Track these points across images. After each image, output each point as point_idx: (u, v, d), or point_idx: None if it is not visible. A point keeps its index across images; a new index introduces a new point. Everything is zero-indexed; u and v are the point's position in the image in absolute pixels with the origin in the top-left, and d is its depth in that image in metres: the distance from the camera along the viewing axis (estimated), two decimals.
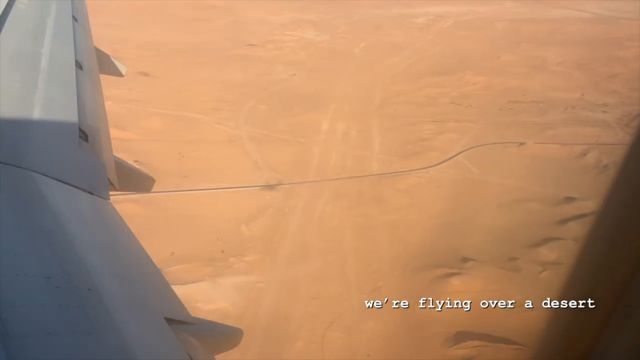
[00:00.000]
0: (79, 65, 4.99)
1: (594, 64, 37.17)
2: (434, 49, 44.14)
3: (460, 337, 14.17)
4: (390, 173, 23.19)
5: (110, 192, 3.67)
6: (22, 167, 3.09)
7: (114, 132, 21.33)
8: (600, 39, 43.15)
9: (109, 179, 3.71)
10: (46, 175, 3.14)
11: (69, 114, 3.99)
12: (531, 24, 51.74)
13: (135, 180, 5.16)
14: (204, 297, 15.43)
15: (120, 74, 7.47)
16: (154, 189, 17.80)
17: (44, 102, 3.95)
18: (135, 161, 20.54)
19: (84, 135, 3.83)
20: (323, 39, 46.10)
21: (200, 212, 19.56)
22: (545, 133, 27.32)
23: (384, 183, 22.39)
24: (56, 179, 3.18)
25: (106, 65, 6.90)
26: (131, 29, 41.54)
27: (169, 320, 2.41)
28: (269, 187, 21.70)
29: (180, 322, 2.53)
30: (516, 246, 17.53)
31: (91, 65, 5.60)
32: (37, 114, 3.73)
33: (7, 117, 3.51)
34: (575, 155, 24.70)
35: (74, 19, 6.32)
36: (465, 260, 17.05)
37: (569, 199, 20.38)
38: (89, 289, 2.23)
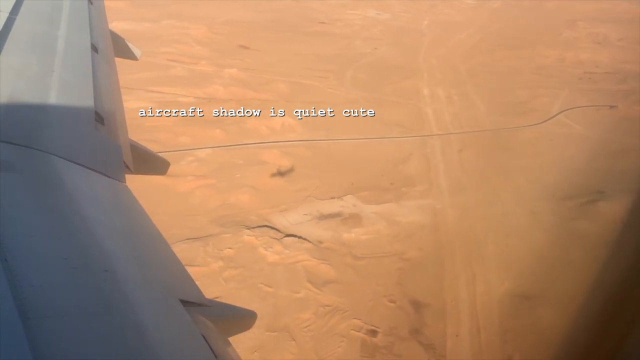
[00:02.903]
0: (94, 49, 5.12)
1: None
2: (493, 26, 48.33)
3: None
4: (506, 128, 27.49)
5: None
6: (39, 149, 3.20)
7: (250, 93, 26.81)
8: None
9: (124, 162, 3.84)
10: (63, 158, 3.24)
11: (85, 97, 4.12)
12: (578, 4, 56.00)
13: (151, 163, 5.33)
14: (397, 213, 19.69)
15: (135, 58, 7.59)
16: (316, 136, 23.22)
17: (60, 85, 4.07)
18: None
19: (100, 118, 3.96)
20: (386, 17, 50.25)
21: (359, 156, 23.80)
22: (631, 98, 31.67)
23: (503, 136, 26.68)
24: (73, 162, 3.28)
25: (121, 48, 7.10)
26: (207, 8, 45.50)
27: (184, 302, 2.52)
28: (405, 137, 25.95)
29: (194, 304, 2.65)
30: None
31: (107, 48, 5.75)
32: (53, 97, 3.85)
33: (24, 100, 3.63)
34: None
35: (90, 2, 6.49)
36: (601, 192, 21.34)
37: None
38: (106, 270, 2.36)
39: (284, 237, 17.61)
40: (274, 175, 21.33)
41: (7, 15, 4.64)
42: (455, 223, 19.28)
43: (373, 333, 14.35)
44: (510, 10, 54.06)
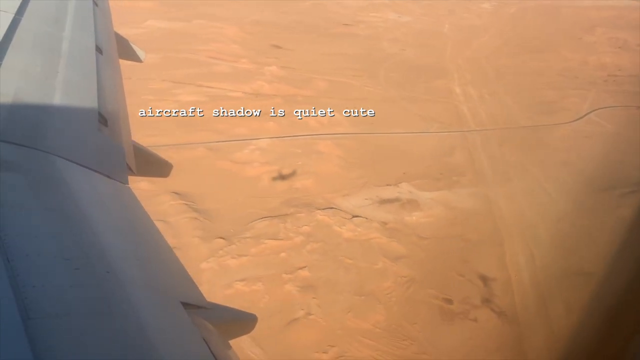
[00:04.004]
0: (99, 50, 5.21)
1: None
2: (513, 30, 50.36)
3: None
4: (541, 125, 29.34)
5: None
6: (42, 150, 3.28)
7: (292, 90, 29.04)
8: None
9: (127, 164, 3.91)
10: (65, 159, 3.32)
11: (88, 99, 4.18)
12: (593, 11, 58.19)
13: (154, 165, 5.45)
14: (452, 200, 21.42)
15: (139, 60, 7.72)
16: (360, 130, 25.33)
17: (64, 86, 4.14)
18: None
19: (104, 119, 4.02)
20: (407, 20, 52.21)
21: (405, 149, 25.54)
22: None
23: (539, 133, 28.50)
24: (75, 163, 3.36)
25: (126, 50, 7.22)
26: (232, 9, 47.35)
27: (185, 305, 2.58)
28: (446, 132, 27.75)
29: (196, 307, 2.71)
30: None
31: (111, 50, 5.86)
32: (57, 98, 3.92)
33: (28, 100, 3.68)
34: None
35: (95, 3, 6.59)
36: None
37: None
38: (108, 272, 2.40)
39: (352, 217, 19.28)
40: (331, 163, 23.00)
41: (12, 16, 4.72)
42: (507, 209, 20.99)
43: (448, 301, 16.00)
44: (527, 15, 56.15)
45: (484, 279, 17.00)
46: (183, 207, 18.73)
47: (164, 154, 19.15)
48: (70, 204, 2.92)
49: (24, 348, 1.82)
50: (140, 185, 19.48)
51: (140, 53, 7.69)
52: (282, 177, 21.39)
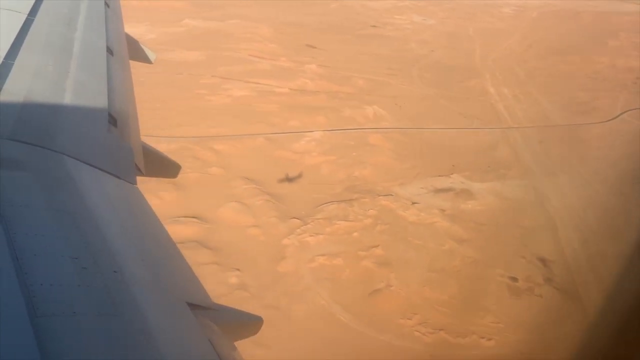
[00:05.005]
0: (109, 51, 5.33)
1: None
2: (537, 34, 51.93)
3: None
4: (577, 124, 30.83)
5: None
6: (52, 149, 3.38)
7: (334, 87, 30.90)
8: None
9: (136, 164, 4.01)
10: (75, 158, 3.41)
11: (99, 99, 4.31)
12: (614, 16, 59.82)
13: (162, 166, 5.54)
14: (503, 190, 22.85)
15: (149, 61, 7.80)
16: (403, 125, 27.13)
17: (75, 86, 4.27)
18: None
19: (113, 120, 4.16)
20: (432, 23, 53.85)
21: (450, 143, 27.03)
22: None
23: (575, 131, 29.97)
24: (85, 162, 3.45)
25: (136, 51, 7.37)
26: (261, 10, 49.01)
27: (191, 306, 2.64)
28: (487, 128, 29.25)
29: (201, 308, 2.77)
30: None
31: (121, 51, 5.97)
32: (68, 98, 4.05)
33: (40, 100, 3.83)
34: None
35: (106, 4, 6.76)
36: None
37: None
38: (115, 271, 2.46)
39: (412, 204, 20.72)
40: (384, 155, 24.48)
41: (25, 16, 4.85)
42: (556, 199, 22.41)
43: (514, 279, 17.39)
44: (549, 20, 57.78)
45: (543, 261, 18.38)
46: (255, 190, 20.20)
47: (226, 144, 20.84)
48: (79, 204, 2.98)
49: (31, 346, 1.86)
50: (212, 171, 21.01)
51: (150, 54, 7.82)
52: (340, 166, 22.82)
